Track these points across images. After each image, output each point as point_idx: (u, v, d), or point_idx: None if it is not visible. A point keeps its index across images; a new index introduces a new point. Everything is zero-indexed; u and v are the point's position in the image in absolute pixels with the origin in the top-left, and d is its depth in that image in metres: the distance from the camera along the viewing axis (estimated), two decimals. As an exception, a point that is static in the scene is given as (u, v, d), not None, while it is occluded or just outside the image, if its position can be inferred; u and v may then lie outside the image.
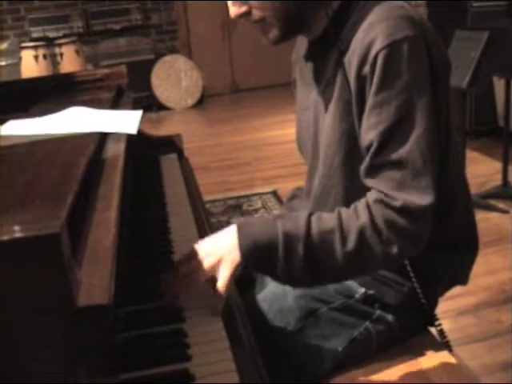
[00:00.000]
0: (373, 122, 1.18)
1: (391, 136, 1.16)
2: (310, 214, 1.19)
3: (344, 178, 1.30)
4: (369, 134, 1.19)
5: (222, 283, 1.14)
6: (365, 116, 1.20)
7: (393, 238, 1.15)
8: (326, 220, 1.17)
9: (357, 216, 1.17)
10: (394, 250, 1.15)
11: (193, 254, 1.17)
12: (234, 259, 1.15)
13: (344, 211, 1.19)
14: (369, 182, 1.21)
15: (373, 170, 1.19)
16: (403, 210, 1.15)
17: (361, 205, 1.18)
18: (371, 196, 1.18)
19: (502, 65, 3.52)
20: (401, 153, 1.15)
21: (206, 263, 1.15)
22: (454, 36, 3.55)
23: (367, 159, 1.20)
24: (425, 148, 1.16)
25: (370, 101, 1.18)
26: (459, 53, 3.40)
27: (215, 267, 1.15)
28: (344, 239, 1.15)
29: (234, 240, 1.16)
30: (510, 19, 4.50)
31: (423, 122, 1.16)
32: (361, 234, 1.15)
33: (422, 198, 1.15)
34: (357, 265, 1.19)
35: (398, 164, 1.16)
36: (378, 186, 1.18)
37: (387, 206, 1.15)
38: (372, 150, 1.18)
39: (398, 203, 1.15)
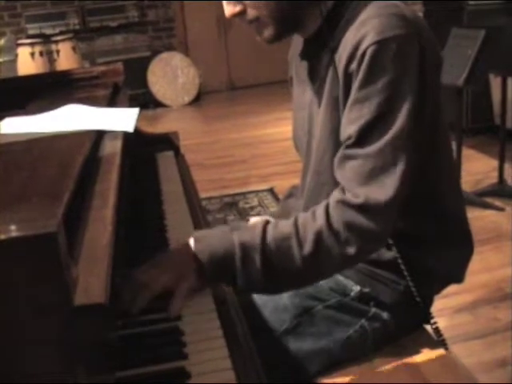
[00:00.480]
0: (353, 116, 1.18)
1: (369, 131, 1.17)
2: (267, 223, 1.19)
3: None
4: (349, 128, 1.19)
5: (179, 298, 1.12)
6: (347, 110, 1.20)
7: (351, 239, 1.15)
8: (283, 227, 1.18)
9: (314, 219, 1.17)
10: (352, 250, 1.16)
11: (151, 266, 1.17)
12: (192, 271, 1.15)
13: (301, 216, 1.20)
14: (337, 174, 1.22)
15: (344, 160, 1.20)
16: (364, 208, 1.15)
17: (319, 208, 1.19)
18: (333, 197, 1.19)
19: (498, 63, 3.52)
20: (374, 147, 1.16)
21: (164, 276, 1.14)
22: (450, 34, 3.55)
23: (341, 151, 1.21)
24: (399, 146, 1.16)
25: (353, 95, 1.19)
26: (456, 51, 3.40)
27: (173, 280, 1.14)
28: (301, 243, 1.16)
29: (190, 254, 1.17)
30: (506, 17, 4.50)
31: (402, 120, 1.15)
32: (317, 236, 1.16)
33: (382, 194, 1.15)
34: (316, 267, 1.19)
35: (369, 158, 1.16)
36: (344, 180, 1.19)
37: (348, 205, 1.16)
38: (348, 142, 1.19)
39: (358, 200, 1.15)
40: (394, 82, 1.15)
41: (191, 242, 1.19)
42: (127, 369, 0.97)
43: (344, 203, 1.16)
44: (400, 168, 1.16)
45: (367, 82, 1.16)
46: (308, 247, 1.16)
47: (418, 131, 1.19)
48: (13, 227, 0.66)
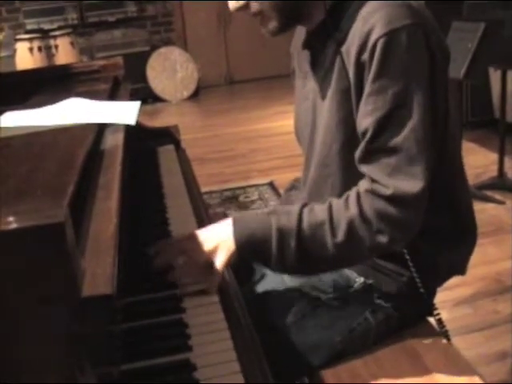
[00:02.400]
0: (369, 108, 1.19)
1: (387, 123, 1.18)
2: (303, 207, 1.22)
3: (342, 166, 1.31)
4: (365, 120, 1.20)
5: (217, 267, 1.19)
6: (362, 102, 1.21)
7: (383, 228, 1.17)
8: (317, 212, 1.20)
9: (347, 207, 1.19)
10: (384, 239, 1.18)
11: (193, 236, 1.23)
12: (230, 248, 1.20)
13: (335, 202, 1.21)
14: (363, 167, 1.23)
15: (368, 156, 1.21)
16: (394, 199, 1.16)
17: (352, 195, 1.20)
18: (362, 185, 1.20)
19: (497, 56, 3.52)
20: (396, 140, 1.17)
21: (205, 247, 1.21)
22: (450, 27, 3.55)
23: (363, 144, 1.22)
24: (420, 136, 1.17)
25: (367, 88, 1.19)
26: (456, 44, 3.40)
27: (212, 252, 1.20)
28: (334, 231, 1.18)
29: (230, 232, 1.21)
30: (505, 11, 4.49)
31: (420, 110, 1.16)
32: (350, 225, 1.18)
33: (412, 185, 1.16)
34: (348, 255, 1.22)
35: (393, 151, 1.17)
36: (372, 172, 1.20)
37: (377, 195, 1.17)
38: (368, 136, 1.20)
39: (388, 191, 1.16)
40: (407, 72, 1.16)
41: (230, 222, 1.23)
42: (132, 361, 0.97)
43: (374, 193, 1.18)
44: (425, 158, 1.17)
45: (380, 74, 1.17)
46: (341, 235, 1.18)
47: (435, 121, 1.20)
48: (19, 218, 0.66)
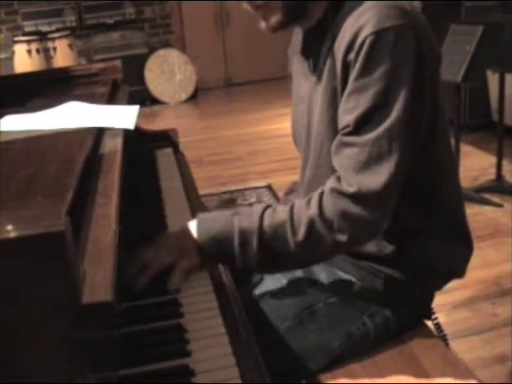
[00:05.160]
0: (350, 106, 1.20)
1: (366, 120, 1.18)
2: (266, 208, 1.24)
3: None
4: (346, 117, 1.21)
5: (178, 273, 1.20)
6: (343, 99, 1.22)
7: (344, 227, 1.19)
8: (279, 213, 1.23)
9: (308, 207, 1.21)
10: (344, 238, 1.19)
11: (155, 245, 1.25)
12: (194, 253, 1.23)
13: (297, 203, 1.24)
14: (334, 159, 1.24)
15: (341, 147, 1.22)
16: (356, 197, 1.18)
17: (315, 195, 1.22)
18: (328, 184, 1.22)
19: (496, 59, 3.53)
20: (370, 137, 1.18)
21: (167, 254, 1.22)
22: (448, 30, 3.55)
23: (338, 137, 1.23)
24: (395, 135, 1.17)
25: (350, 85, 1.20)
26: (454, 47, 3.41)
27: (176, 258, 1.21)
28: (294, 230, 1.20)
29: (193, 235, 1.23)
30: (502, 14, 4.50)
31: (399, 111, 1.17)
32: (310, 224, 1.20)
33: (376, 182, 1.17)
34: (309, 253, 1.24)
35: (365, 147, 1.18)
36: (340, 166, 1.21)
37: (341, 194, 1.19)
38: (346, 130, 1.21)
39: (352, 189, 1.17)
40: (391, 72, 1.16)
41: (194, 223, 1.25)
42: (131, 366, 0.97)
43: (338, 192, 1.19)
44: (395, 157, 1.18)
45: (364, 71, 1.17)
46: (301, 234, 1.20)
47: (416, 123, 1.20)
48: (19, 226, 0.66)
